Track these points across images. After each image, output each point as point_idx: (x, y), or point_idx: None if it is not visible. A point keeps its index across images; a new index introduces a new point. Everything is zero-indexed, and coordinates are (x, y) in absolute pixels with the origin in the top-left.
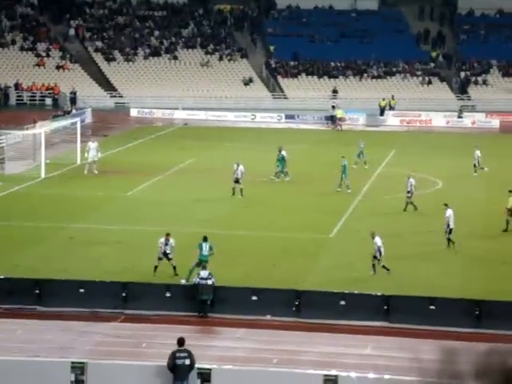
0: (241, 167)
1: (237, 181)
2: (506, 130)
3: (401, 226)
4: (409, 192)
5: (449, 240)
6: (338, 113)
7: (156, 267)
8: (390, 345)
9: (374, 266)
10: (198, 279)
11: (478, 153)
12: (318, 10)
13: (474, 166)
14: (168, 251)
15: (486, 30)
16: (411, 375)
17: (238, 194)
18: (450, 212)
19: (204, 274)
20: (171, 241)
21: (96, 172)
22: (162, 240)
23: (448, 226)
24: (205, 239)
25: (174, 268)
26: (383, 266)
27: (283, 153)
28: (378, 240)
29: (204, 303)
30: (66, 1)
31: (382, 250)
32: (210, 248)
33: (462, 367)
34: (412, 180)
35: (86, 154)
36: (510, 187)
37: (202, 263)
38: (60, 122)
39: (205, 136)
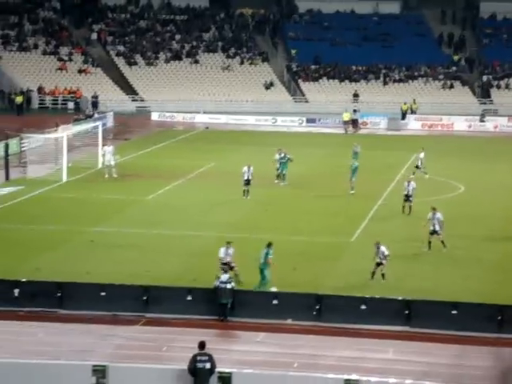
0: (251, 169)
1: (248, 182)
2: None
3: (421, 230)
4: (410, 196)
5: (430, 242)
6: (345, 116)
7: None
8: (411, 349)
9: (373, 273)
10: (218, 283)
11: (421, 155)
12: (339, 13)
13: (417, 167)
14: (230, 261)
15: (508, 33)
16: (432, 380)
17: (247, 195)
18: (438, 215)
19: (224, 277)
20: (230, 250)
21: (115, 176)
22: (223, 249)
23: (434, 228)
24: (268, 245)
25: (236, 276)
26: (382, 274)
27: (288, 156)
28: (384, 250)
29: (224, 307)
30: (88, 5)
31: (388, 259)
32: (267, 254)
33: None
34: (413, 183)
35: (101, 158)
36: None
37: (261, 271)
38: (82, 125)
39: (226, 140)
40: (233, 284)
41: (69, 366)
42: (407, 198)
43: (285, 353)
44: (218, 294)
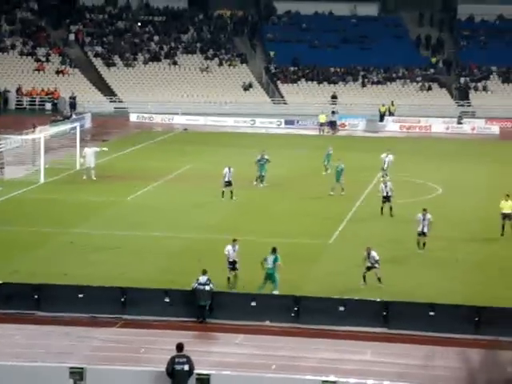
0: (232, 170)
1: (229, 184)
2: (506, 137)
3: (400, 231)
4: (389, 197)
5: (420, 244)
6: (321, 118)
7: (229, 278)
8: (389, 351)
9: (364, 277)
10: (196, 284)
11: (390, 157)
12: (317, 15)
13: (382, 169)
14: (236, 259)
15: (486, 35)
16: (410, 381)
17: (230, 197)
18: (428, 216)
19: (202, 279)
20: (237, 247)
21: (94, 178)
22: (229, 247)
23: (422, 229)
24: (273, 251)
25: (235, 276)
26: (379, 278)
27: (266, 157)
28: (375, 255)
29: (202, 309)
30: (66, 6)
31: (380, 262)
32: (275, 260)
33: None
34: (390, 184)
35: (81, 160)
36: (508, 193)
37: (267, 277)
38: (59, 126)
39: (204, 141)
40: (211, 286)
41: (46, 368)
42: (386, 199)
43: (263, 354)
44: (196, 296)
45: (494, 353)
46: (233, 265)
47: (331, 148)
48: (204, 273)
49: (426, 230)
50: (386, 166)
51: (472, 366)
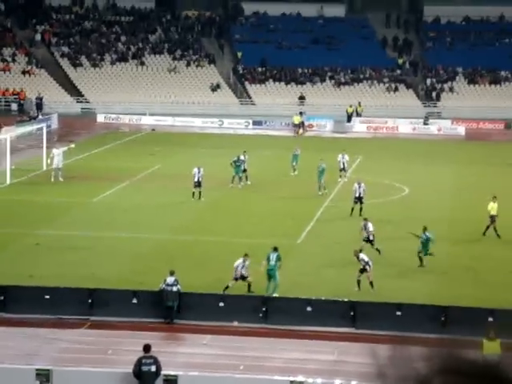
0: (202, 171)
1: (198, 184)
2: (471, 137)
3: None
4: (362, 198)
5: (377, 249)
6: (296, 119)
7: (227, 287)
8: (357, 351)
9: (359, 282)
10: (163, 285)
11: (346, 157)
12: (285, 16)
13: (342, 170)
14: (245, 274)
15: (452, 37)
16: (377, 381)
17: (198, 197)
18: (369, 225)
19: (170, 280)
20: (247, 262)
21: (61, 179)
22: (240, 261)
23: (368, 236)
24: (274, 249)
25: (249, 286)
26: (370, 282)
27: (242, 158)
28: (364, 257)
29: (170, 309)
30: (32, 6)
31: (371, 264)
32: (278, 259)
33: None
34: (363, 185)
35: (48, 161)
36: (474, 193)
37: (269, 275)
38: (26, 127)
39: (172, 142)
40: (179, 287)
41: (12, 370)
42: (359, 199)
43: (231, 355)
44: (163, 297)
45: (403, 348)
46: (241, 279)
47: (298, 149)
48: (171, 274)
49: (371, 238)
50: (342, 166)
51: (381, 361)
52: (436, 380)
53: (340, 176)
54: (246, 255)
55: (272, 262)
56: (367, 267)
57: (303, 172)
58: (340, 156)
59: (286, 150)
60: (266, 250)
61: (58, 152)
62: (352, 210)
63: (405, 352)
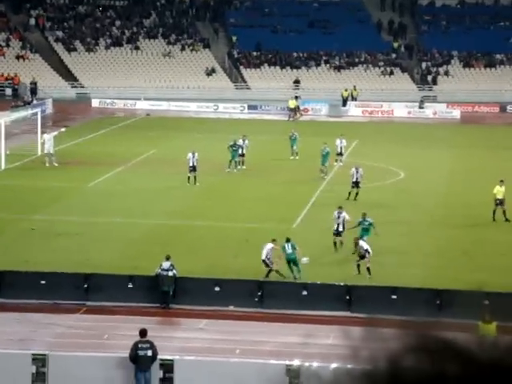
0: (196, 155)
1: (193, 169)
2: (466, 121)
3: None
4: (359, 182)
5: (335, 243)
6: (291, 103)
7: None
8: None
9: (358, 266)
10: (159, 270)
11: (343, 142)
12: (280, 0)
13: (339, 154)
14: (271, 259)
15: (447, 20)
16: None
17: (193, 182)
18: (343, 215)
19: (166, 265)
20: (276, 247)
21: (56, 164)
22: (269, 246)
23: (337, 228)
24: (287, 240)
25: (269, 273)
26: (368, 268)
27: (239, 142)
28: (363, 244)
29: (166, 294)
30: None
31: (370, 251)
32: (293, 247)
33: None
34: (361, 170)
35: (42, 147)
36: (470, 177)
37: (290, 262)
38: (20, 112)
39: (167, 126)
40: (174, 271)
41: (8, 355)
42: (356, 184)
43: (227, 339)
44: (159, 282)
45: (376, 329)
46: (265, 265)
47: (296, 132)
48: (167, 258)
49: (340, 229)
50: (339, 150)
51: (354, 342)
52: (406, 358)
53: (336, 160)
54: (274, 240)
55: (289, 251)
56: (366, 254)
57: (299, 156)
58: (338, 140)
59: (282, 134)
60: (262, 235)
61: (48, 137)
62: (349, 194)
63: (378, 332)
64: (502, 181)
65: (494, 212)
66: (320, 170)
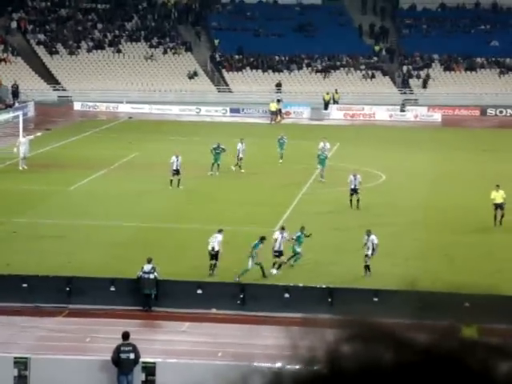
0: (180, 159)
1: (177, 172)
2: (447, 124)
3: (344, 219)
4: (357, 189)
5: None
6: (272, 106)
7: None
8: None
9: (367, 266)
10: (140, 273)
11: (327, 145)
12: (262, 4)
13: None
14: (216, 248)
15: (428, 24)
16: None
17: (176, 185)
18: (276, 234)
19: (147, 267)
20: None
21: (25, 167)
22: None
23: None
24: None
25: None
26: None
27: (222, 146)
28: (375, 239)
29: (148, 297)
30: None
31: (377, 250)
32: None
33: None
34: (359, 176)
35: (15, 150)
36: (451, 180)
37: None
38: (2, 115)
39: (149, 130)
40: (156, 274)
41: None
42: (354, 191)
43: (209, 342)
44: (141, 285)
45: (315, 320)
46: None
47: (286, 137)
48: (149, 261)
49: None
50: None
51: (294, 334)
52: (343, 347)
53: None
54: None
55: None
56: (369, 252)
57: (279, 159)
58: (321, 143)
59: (264, 138)
60: (244, 238)
61: (23, 141)
62: (350, 201)
63: (317, 329)
64: (497, 185)
65: (495, 217)
66: (320, 174)
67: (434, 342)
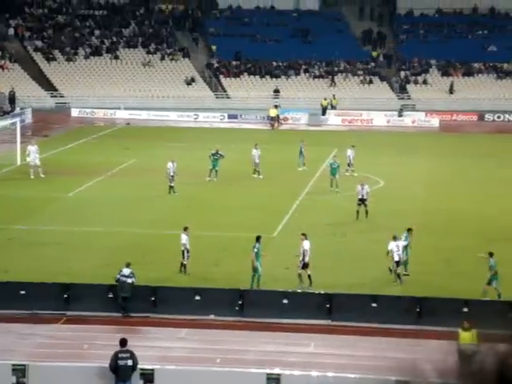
0: (175, 165)
1: (173, 178)
2: (445, 129)
3: (342, 224)
4: (365, 200)
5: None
6: (272, 112)
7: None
8: (333, 342)
9: (398, 275)
10: (119, 276)
11: (352, 152)
12: (259, 10)
13: (348, 165)
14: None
15: (425, 29)
16: (353, 372)
17: (173, 191)
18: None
19: (126, 271)
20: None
21: (43, 176)
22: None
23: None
24: (258, 239)
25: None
26: (391, 269)
27: (220, 152)
28: (400, 242)
29: (125, 300)
30: (4, 0)
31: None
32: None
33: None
34: (367, 187)
35: (27, 158)
36: (449, 185)
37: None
38: None
39: (147, 136)
40: (133, 279)
41: None
42: (362, 201)
43: (207, 348)
44: (118, 288)
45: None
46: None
47: (304, 143)
48: (127, 265)
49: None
50: (349, 161)
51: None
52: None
53: (346, 171)
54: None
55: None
56: (396, 257)
57: (279, 165)
58: (349, 151)
59: (263, 143)
60: (243, 243)
61: (33, 149)
62: (357, 212)
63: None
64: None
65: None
66: (331, 184)
67: None
